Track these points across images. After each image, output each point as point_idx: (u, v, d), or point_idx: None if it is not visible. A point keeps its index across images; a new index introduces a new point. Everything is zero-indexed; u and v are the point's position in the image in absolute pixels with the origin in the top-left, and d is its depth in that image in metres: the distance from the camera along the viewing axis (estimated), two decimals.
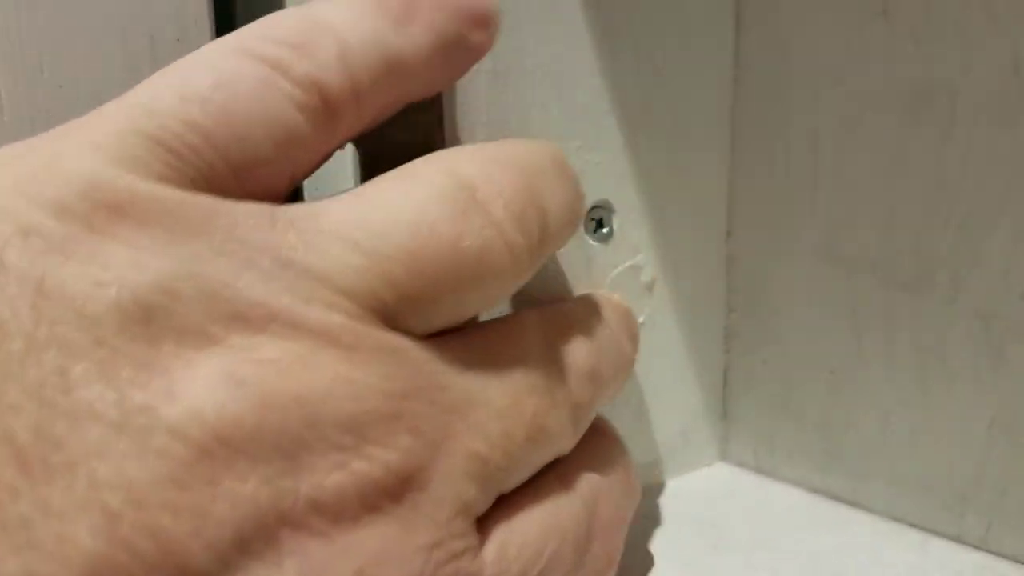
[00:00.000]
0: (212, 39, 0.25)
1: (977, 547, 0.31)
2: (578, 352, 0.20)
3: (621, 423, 0.37)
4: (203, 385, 0.12)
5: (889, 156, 0.32)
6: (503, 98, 0.31)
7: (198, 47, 0.25)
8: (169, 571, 0.12)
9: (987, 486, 0.30)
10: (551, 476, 0.20)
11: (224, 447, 0.12)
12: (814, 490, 0.36)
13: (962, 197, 0.30)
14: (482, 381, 0.16)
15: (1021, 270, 0.29)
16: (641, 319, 0.36)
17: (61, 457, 0.11)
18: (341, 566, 0.13)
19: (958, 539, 0.32)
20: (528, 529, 0.17)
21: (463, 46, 0.20)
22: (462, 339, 0.16)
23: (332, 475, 0.13)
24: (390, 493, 0.13)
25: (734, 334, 0.38)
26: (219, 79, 0.16)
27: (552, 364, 0.18)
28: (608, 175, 0.34)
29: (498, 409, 0.16)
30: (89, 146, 0.14)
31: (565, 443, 0.19)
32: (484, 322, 0.19)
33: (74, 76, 0.23)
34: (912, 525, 0.33)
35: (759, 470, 0.38)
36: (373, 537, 0.13)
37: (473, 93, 0.30)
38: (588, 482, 0.20)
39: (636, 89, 0.34)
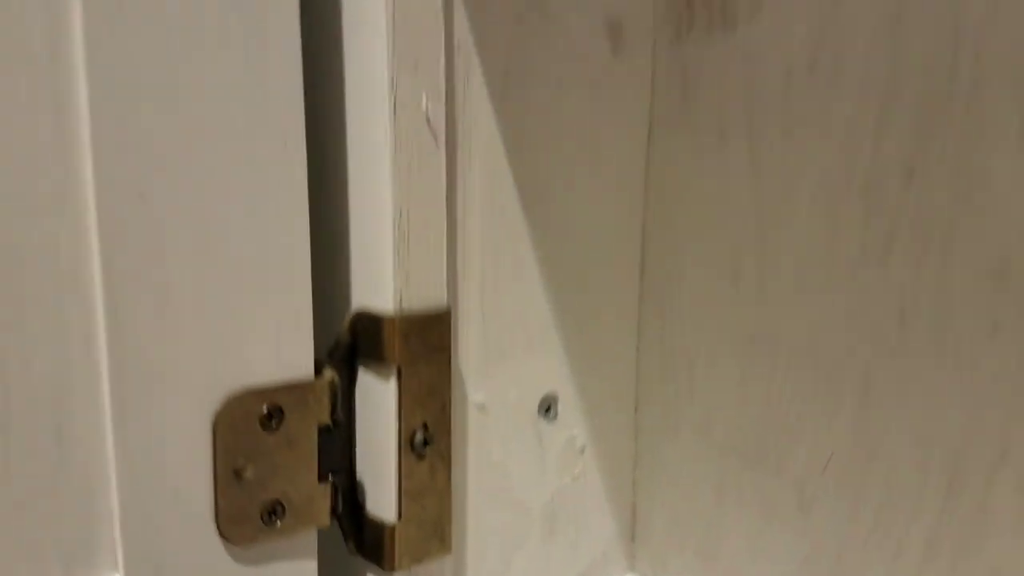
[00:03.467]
0: None
1: None
2: None
3: (561, 549, 0.51)
4: None
5: (739, 375, 0.47)
6: None
7: None
8: None
9: None
10: None
11: None
12: None
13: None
14: None
15: (822, 447, 0.45)
16: (576, 472, 0.50)
17: None
18: None
19: None
20: None
21: None
22: None
23: None
24: None
25: (639, 483, 0.53)
26: None
27: None
28: (555, 374, 0.49)
29: None
30: None
31: None
32: None
33: None
34: None
35: None
36: None
37: None
38: None
39: (569, 318, 0.49)
